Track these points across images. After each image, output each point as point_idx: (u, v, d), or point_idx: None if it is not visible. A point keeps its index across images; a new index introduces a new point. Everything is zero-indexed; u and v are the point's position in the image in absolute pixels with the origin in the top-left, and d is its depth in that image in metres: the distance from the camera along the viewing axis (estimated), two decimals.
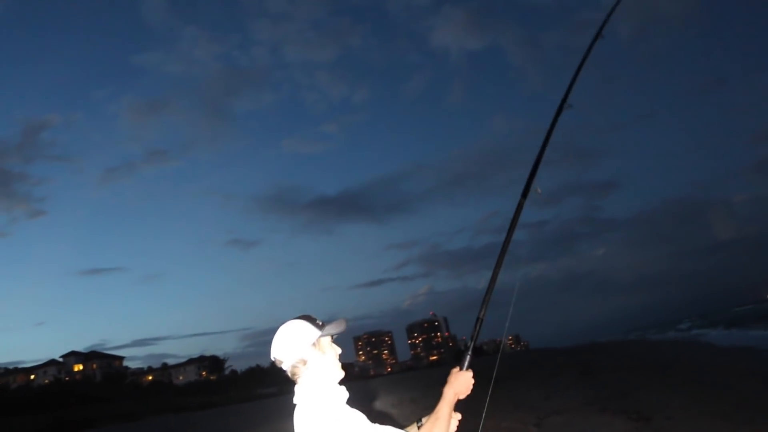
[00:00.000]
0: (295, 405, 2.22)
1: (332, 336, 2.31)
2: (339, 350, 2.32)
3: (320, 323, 2.28)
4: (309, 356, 2.20)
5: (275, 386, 76.51)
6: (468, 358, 2.39)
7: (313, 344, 2.22)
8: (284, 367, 2.24)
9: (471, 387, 2.34)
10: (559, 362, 25.58)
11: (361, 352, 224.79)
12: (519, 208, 2.76)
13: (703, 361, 20.35)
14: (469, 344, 2.43)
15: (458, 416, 2.33)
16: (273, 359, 2.27)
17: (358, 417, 2.04)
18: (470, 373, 2.34)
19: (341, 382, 2.29)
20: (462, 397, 2.32)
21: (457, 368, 2.36)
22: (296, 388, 2.23)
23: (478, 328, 2.47)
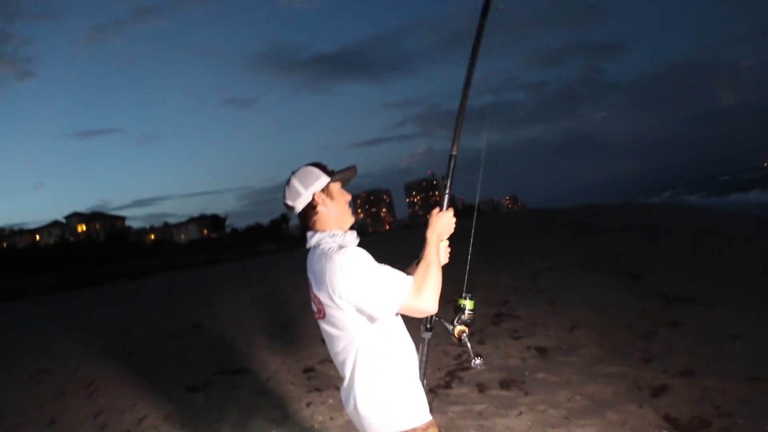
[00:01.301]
0: (308, 249, 2.34)
1: (342, 182, 2.39)
2: (349, 197, 2.40)
3: (331, 170, 2.36)
4: (319, 201, 2.29)
5: (275, 243, 78.35)
6: (446, 197, 2.40)
7: (323, 189, 2.30)
8: (296, 211, 2.34)
9: (453, 226, 2.37)
10: (554, 223, 26.07)
11: (359, 210, 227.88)
12: (480, 29, 2.56)
13: (694, 225, 20.81)
14: (445, 182, 2.43)
15: (446, 244, 2.41)
16: (285, 204, 2.35)
17: (368, 257, 2.14)
18: (450, 212, 2.36)
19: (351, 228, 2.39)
20: (445, 237, 2.36)
21: (437, 209, 2.38)
22: (308, 234, 2.34)
23: (452, 164, 2.42)
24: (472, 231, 2.52)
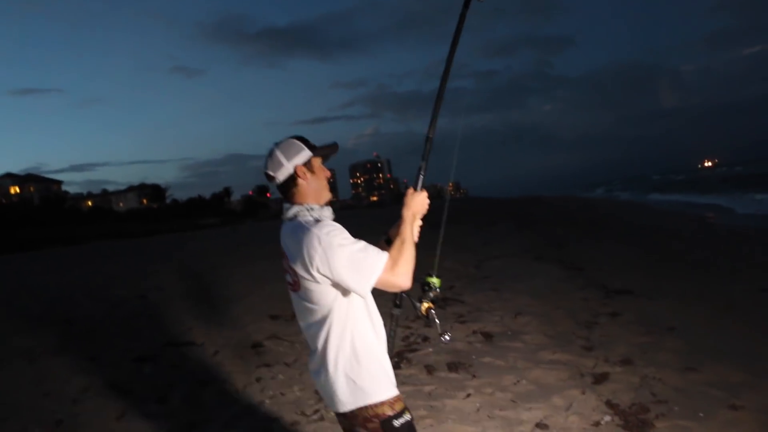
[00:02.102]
0: (283, 220, 2.40)
1: (323, 158, 2.45)
2: (328, 173, 2.45)
3: (313, 145, 2.41)
4: (301, 174, 2.35)
5: (217, 217, 77.19)
6: (421, 178, 2.49)
7: (305, 163, 2.36)
8: (277, 182, 2.39)
9: (427, 206, 2.44)
10: (498, 211, 26.57)
11: None
12: (462, 18, 2.67)
13: (632, 220, 21.52)
14: (421, 164, 2.51)
15: (419, 223, 2.47)
16: (265, 173, 2.39)
17: (345, 231, 2.20)
18: (425, 193, 2.44)
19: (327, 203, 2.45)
20: (419, 216, 2.44)
21: (411, 189, 2.46)
22: (285, 205, 2.40)
23: (428, 146, 2.52)
24: (444, 214, 2.60)
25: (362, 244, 2.18)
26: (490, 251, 12.81)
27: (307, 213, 2.32)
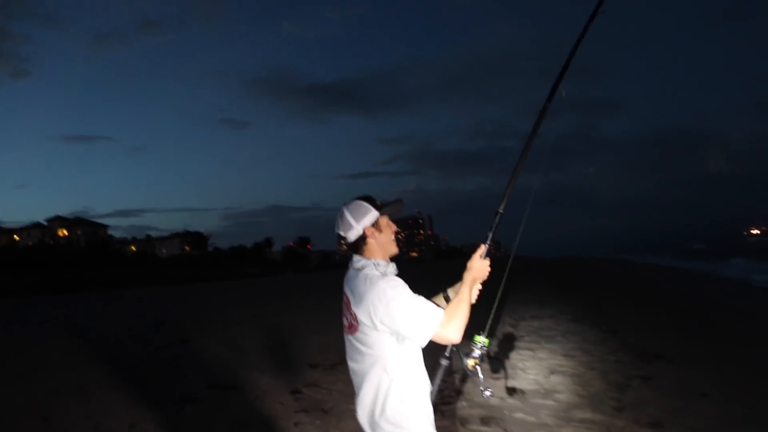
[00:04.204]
0: (349, 269, 2.63)
1: (390, 215, 2.69)
2: (395, 227, 2.69)
3: (379, 204, 2.65)
4: (369, 234, 2.59)
5: (258, 267, 77.87)
6: (487, 247, 2.63)
7: (373, 223, 2.60)
8: (347, 242, 2.63)
9: (488, 273, 2.62)
10: (537, 272, 26.48)
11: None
12: (544, 110, 2.86)
13: (673, 285, 21.24)
14: (488, 234, 2.66)
15: (479, 287, 2.67)
16: (337, 233, 2.64)
17: (407, 287, 2.44)
18: (488, 261, 2.62)
19: (392, 258, 2.68)
20: (479, 281, 2.63)
21: (478, 254, 2.62)
22: (354, 257, 2.63)
23: (497, 220, 2.67)
24: (504, 276, 2.82)
25: (422, 300, 2.42)
26: (529, 311, 12.89)
27: (374, 268, 2.55)
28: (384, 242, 2.64)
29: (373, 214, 2.62)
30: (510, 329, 10.70)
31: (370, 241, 2.61)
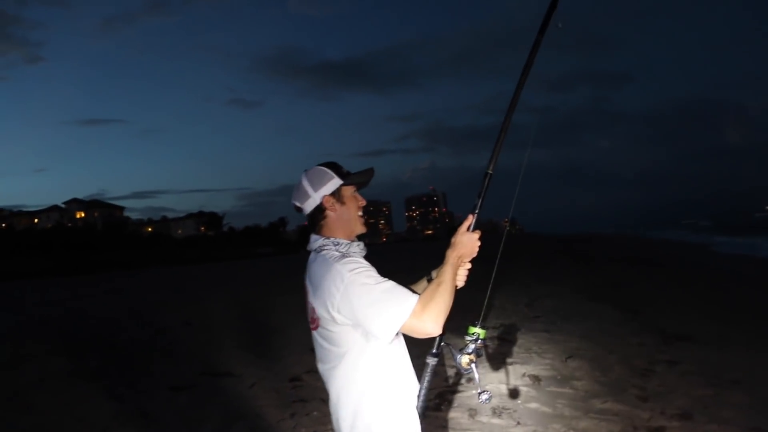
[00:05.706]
0: (309, 252, 2.16)
1: (357, 186, 2.21)
2: (362, 202, 2.21)
3: (344, 171, 2.17)
4: (328, 205, 2.12)
5: (272, 246, 78.11)
6: (474, 217, 2.15)
7: (334, 193, 2.13)
8: (304, 213, 2.16)
9: (477, 249, 2.12)
10: (553, 249, 26.00)
11: None
12: (536, 44, 2.26)
13: (699, 263, 20.67)
14: (477, 202, 2.17)
15: (468, 266, 2.17)
16: (293, 204, 2.17)
17: (371, 270, 1.96)
18: (477, 234, 2.12)
19: (360, 237, 2.21)
20: (467, 259, 2.13)
21: (464, 227, 2.13)
22: (311, 236, 2.17)
23: (486, 183, 2.17)
24: (498, 255, 2.30)
25: (389, 284, 1.92)
26: (544, 289, 12.42)
27: (332, 247, 2.06)
28: (347, 217, 2.15)
29: (334, 181, 2.12)
30: (524, 308, 10.23)
31: (330, 213, 2.12)
